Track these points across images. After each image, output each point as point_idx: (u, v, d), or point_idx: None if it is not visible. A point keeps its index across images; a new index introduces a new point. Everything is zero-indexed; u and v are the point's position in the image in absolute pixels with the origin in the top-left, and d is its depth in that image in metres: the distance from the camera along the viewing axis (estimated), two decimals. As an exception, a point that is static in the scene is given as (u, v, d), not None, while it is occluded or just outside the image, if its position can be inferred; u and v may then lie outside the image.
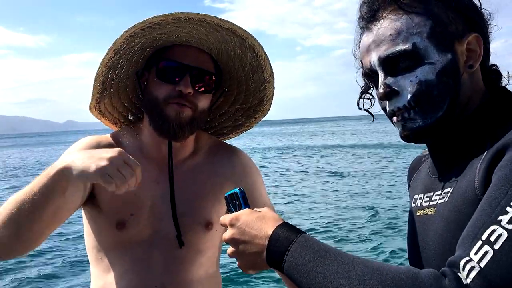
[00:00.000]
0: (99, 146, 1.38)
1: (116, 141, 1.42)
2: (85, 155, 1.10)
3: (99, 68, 1.30)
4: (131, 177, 1.09)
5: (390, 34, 0.93)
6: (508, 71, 1.00)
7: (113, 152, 1.10)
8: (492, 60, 1.00)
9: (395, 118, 0.97)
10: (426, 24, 0.91)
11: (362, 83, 1.12)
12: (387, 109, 0.98)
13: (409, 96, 0.92)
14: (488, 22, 0.98)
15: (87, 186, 1.31)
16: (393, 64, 0.93)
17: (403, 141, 1.01)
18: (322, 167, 18.44)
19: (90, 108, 1.42)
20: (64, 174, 1.11)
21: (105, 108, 1.44)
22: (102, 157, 1.08)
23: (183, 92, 1.28)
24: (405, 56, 0.91)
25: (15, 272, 6.85)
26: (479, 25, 0.95)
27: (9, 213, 1.14)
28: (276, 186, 13.75)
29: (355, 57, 1.10)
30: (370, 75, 1.01)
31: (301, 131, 65.90)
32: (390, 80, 0.94)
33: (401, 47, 0.91)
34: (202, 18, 1.23)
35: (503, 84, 1.00)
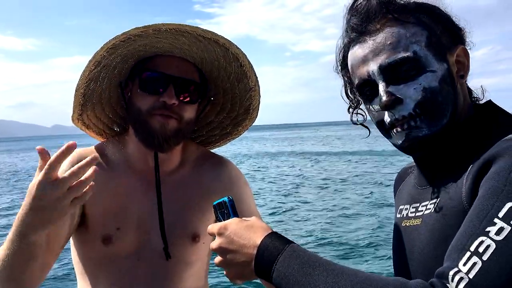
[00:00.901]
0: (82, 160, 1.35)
1: (100, 154, 1.39)
2: (27, 215, 1.04)
3: (79, 80, 1.28)
4: (69, 192, 1.02)
5: (390, 43, 0.93)
6: (481, 85, 1.03)
7: (41, 189, 1.00)
8: (480, 67, 1.02)
9: (397, 129, 0.96)
10: (422, 34, 0.93)
11: (347, 100, 1.12)
12: (387, 119, 0.97)
13: (413, 103, 0.92)
14: (467, 39, 1.01)
15: (74, 214, 1.30)
16: (395, 72, 0.93)
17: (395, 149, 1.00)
18: (312, 175, 18.39)
19: (73, 120, 1.39)
20: (27, 241, 1.08)
21: (89, 120, 1.42)
22: (40, 206, 1.01)
23: (167, 103, 1.26)
24: (407, 63, 0.91)
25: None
26: (461, 38, 0.99)
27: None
28: (265, 193, 13.65)
29: (337, 73, 1.10)
30: (364, 87, 1.00)
31: (292, 136, 65.85)
32: (392, 88, 0.94)
33: (403, 54, 0.92)
34: (183, 28, 1.21)
35: (481, 101, 1.02)
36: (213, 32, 1.24)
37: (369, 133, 1.16)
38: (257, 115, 1.50)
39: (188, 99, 1.32)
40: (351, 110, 1.13)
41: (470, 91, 1.03)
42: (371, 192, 12.81)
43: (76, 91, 1.30)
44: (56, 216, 1.04)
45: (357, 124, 1.14)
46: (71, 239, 1.40)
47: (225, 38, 1.26)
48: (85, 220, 1.34)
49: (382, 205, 10.96)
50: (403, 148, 0.97)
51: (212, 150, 1.61)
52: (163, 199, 1.36)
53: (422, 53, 0.92)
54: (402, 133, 0.95)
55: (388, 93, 0.93)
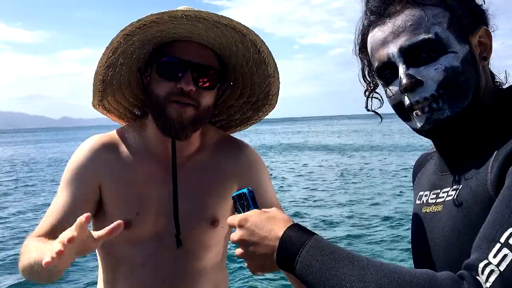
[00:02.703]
0: (104, 147, 1.39)
1: (121, 138, 1.42)
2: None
3: (97, 67, 1.28)
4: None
5: (411, 25, 0.91)
6: (506, 71, 1.00)
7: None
8: (491, 62, 1.00)
9: (417, 112, 0.94)
10: (444, 15, 0.91)
11: (364, 83, 1.10)
12: (407, 102, 0.95)
13: (435, 85, 0.90)
14: (490, 22, 0.98)
15: (89, 202, 1.35)
16: (416, 54, 0.91)
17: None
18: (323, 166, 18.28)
19: (94, 106, 1.41)
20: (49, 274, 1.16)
21: (110, 105, 1.43)
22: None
23: (185, 89, 1.25)
24: (428, 45, 0.90)
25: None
26: (485, 21, 0.96)
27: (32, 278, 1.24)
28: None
29: (357, 55, 1.08)
30: (384, 70, 0.98)
31: (302, 130, 65.65)
32: (412, 71, 0.92)
33: (424, 36, 0.90)
34: (199, 15, 1.19)
35: (504, 86, 0.99)
36: (230, 18, 1.21)
37: (381, 120, 1.15)
38: (276, 101, 1.48)
39: (207, 84, 1.30)
40: (367, 93, 1.11)
41: (493, 75, 1.01)
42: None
43: (94, 77, 1.31)
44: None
45: (369, 111, 1.12)
46: (92, 221, 1.42)
47: (242, 25, 1.23)
48: (103, 205, 1.37)
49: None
50: (424, 131, 0.95)
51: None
52: (182, 184, 1.37)
53: (443, 34, 0.90)
54: (423, 116, 0.93)
55: (408, 75, 0.92)
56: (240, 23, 1.23)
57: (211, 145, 1.47)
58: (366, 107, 1.11)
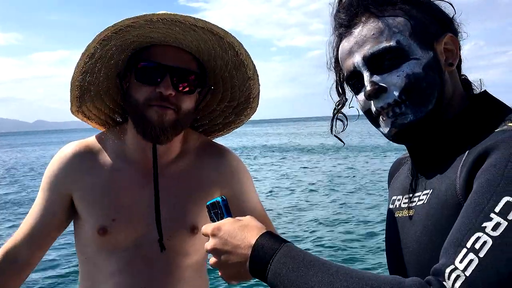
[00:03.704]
0: (78, 156, 1.39)
1: (100, 144, 1.41)
2: None
3: (74, 73, 1.27)
4: None
5: (373, 34, 0.94)
6: (480, 79, 1.02)
7: None
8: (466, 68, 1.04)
9: (383, 117, 0.97)
10: (407, 24, 0.94)
11: (336, 98, 1.12)
12: (373, 108, 0.98)
13: (398, 90, 0.92)
14: (458, 29, 1.01)
15: (55, 212, 1.38)
16: (378, 62, 0.94)
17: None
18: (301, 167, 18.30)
19: (73, 112, 1.39)
20: None
21: (90, 111, 1.42)
22: None
23: (164, 93, 1.24)
24: (390, 52, 0.92)
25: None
26: (450, 27, 0.99)
27: None
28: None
29: (330, 69, 1.11)
30: (352, 79, 1.01)
31: (281, 132, 65.67)
32: (376, 78, 0.95)
33: (385, 44, 0.93)
34: (175, 18, 1.18)
35: (476, 92, 1.01)
36: (206, 21, 1.21)
37: (343, 144, 1.16)
38: (257, 104, 1.48)
39: (187, 89, 1.30)
40: (334, 112, 1.12)
41: (469, 83, 1.03)
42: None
43: (71, 84, 1.29)
44: None
45: (333, 135, 1.13)
46: (74, 227, 1.44)
47: (219, 27, 1.23)
48: (79, 212, 1.37)
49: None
50: (391, 136, 0.97)
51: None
52: (162, 191, 1.36)
53: (405, 42, 0.92)
54: (388, 120, 0.96)
55: (372, 82, 0.94)
56: (217, 26, 1.23)
57: (192, 151, 1.46)
58: (331, 130, 1.12)
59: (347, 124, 1.12)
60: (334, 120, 1.13)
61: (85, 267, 1.41)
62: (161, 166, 1.37)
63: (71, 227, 1.44)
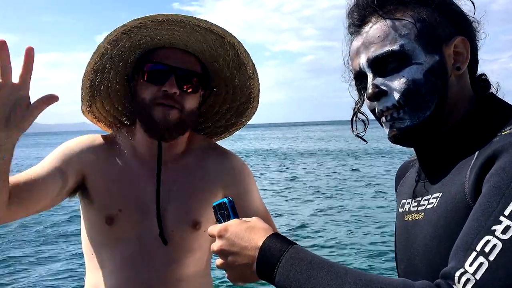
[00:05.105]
0: (95, 144, 1.44)
1: (110, 140, 1.47)
2: None
3: (85, 71, 1.35)
4: None
5: (379, 36, 0.94)
6: (498, 82, 1.01)
7: None
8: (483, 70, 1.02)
9: (383, 119, 0.98)
10: (413, 26, 0.93)
11: (356, 97, 1.12)
12: (376, 109, 0.99)
13: (398, 95, 0.92)
14: (476, 29, 0.99)
15: (66, 178, 1.34)
16: (382, 65, 0.94)
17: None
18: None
19: (83, 112, 1.47)
20: None
21: (99, 112, 1.50)
22: None
23: (169, 92, 1.32)
24: (393, 56, 0.92)
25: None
26: (466, 29, 0.97)
27: None
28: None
29: (347, 67, 1.11)
30: (358, 79, 1.02)
31: (278, 137, 65.20)
32: (378, 80, 0.95)
33: (388, 48, 0.92)
34: (180, 18, 1.27)
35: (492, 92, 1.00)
36: (208, 21, 1.29)
37: (366, 143, 1.17)
38: (257, 104, 1.54)
39: (190, 89, 1.38)
40: (356, 108, 1.12)
41: (487, 84, 1.02)
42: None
43: (82, 82, 1.38)
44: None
45: (354, 134, 1.13)
46: (81, 220, 1.48)
47: (220, 27, 1.31)
48: (90, 197, 1.41)
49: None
50: (390, 138, 0.98)
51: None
52: (166, 185, 1.41)
53: (410, 46, 0.92)
54: (387, 123, 0.97)
55: (373, 85, 0.95)
56: (218, 26, 1.31)
57: (197, 151, 1.51)
58: (352, 129, 1.13)
59: (367, 123, 1.12)
60: (354, 120, 1.12)
61: (91, 263, 1.45)
62: (166, 162, 1.43)
63: (77, 226, 1.44)
